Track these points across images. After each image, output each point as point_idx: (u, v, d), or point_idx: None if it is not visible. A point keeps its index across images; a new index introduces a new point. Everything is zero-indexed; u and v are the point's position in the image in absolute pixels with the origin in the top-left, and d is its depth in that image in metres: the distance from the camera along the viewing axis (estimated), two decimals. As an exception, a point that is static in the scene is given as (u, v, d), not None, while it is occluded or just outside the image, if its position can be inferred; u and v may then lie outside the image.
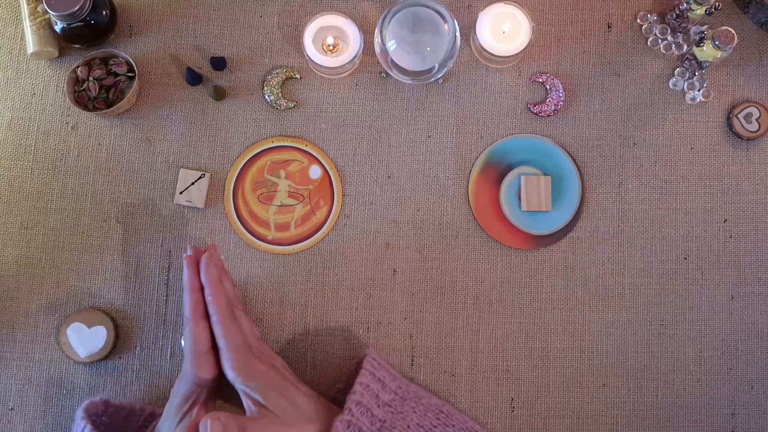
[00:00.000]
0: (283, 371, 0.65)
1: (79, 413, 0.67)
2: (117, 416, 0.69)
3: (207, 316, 0.66)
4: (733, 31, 0.74)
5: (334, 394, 0.71)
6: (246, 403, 0.62)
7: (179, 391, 0.64)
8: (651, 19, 0.81)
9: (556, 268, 0.77)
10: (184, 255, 0.67)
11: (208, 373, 0.64)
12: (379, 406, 0.65)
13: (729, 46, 0.74)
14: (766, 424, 0.75)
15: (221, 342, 0.64)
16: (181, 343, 0.74)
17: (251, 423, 0.60)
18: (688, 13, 0.78)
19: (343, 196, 0.78)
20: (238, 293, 0.68)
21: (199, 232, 0.77)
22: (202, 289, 0.66)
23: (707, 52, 0.76)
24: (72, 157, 0.78)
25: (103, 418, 0.68)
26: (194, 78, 0.78)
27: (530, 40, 0.75)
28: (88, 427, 0.65)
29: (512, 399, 0.75)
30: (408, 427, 0.65)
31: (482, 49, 0.77)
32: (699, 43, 0.77)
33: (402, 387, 0.69)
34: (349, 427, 0.62)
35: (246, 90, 0.79)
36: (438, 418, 0.68)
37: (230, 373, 0.63)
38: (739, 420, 0.75)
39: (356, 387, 0.65)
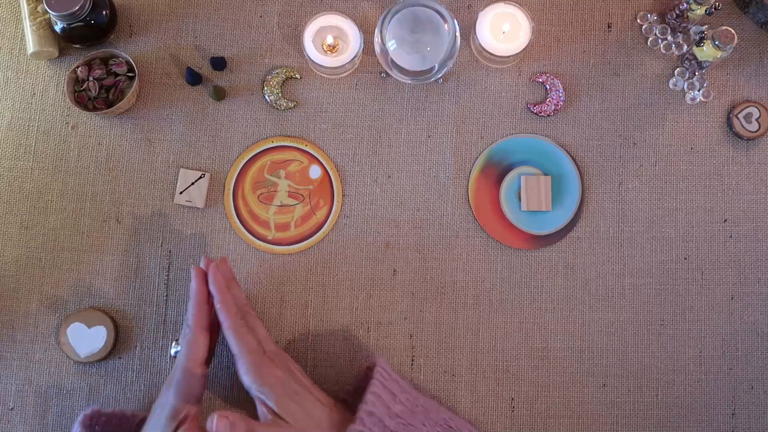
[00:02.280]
0: (299, 377, 0.64)
1: (77, 427, 0.66)
2: (109, 424, 0.68)
3: (209, 329, 0.65)
4: (733, 31, 0.74)
5: (344, 396, 0.71)
6: (260, 410, 0.62)
7: (168, 403, 0.63)
8: (651, 19, 0.81)
9: (556, 268, 0.77)
10: (193, 266, 0.66)
11: (197, 387, 0.63)
12: (390, 417, 0.64)
13: (729, 46, 0.74)
14: (766, 424, 0.75)
15: (235, 348, 0.62)
16: (170, 352, 0.74)
17: (261, 428, 0.60)
18: (688, 13, 0.78)
19: (343, 196, 0.78)
20: (248, 302, 0.68)
21: (199, 232, 0.77)
22: (209, 300, 0.65)
23: (707, 52, 0.76)
24: (72, 157, 0.78)
25: (96, 427, 0.67)
26: (194, 78, 0.78)
27: (530, 40, 0.75)
28: None
29: (512, 399, 0.75)
30: None
31: (482, 49, 0.77)
32: (699, 43, 0.77)
33: (411, 399, 0.68)
34: None
35: (246, 90, 0.79)
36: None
37: (245, 379, 0.61)
38: (739, 420, 0.75)
39: (368, 397, 0.64)
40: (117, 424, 0.69)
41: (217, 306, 0.64)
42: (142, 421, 0.69)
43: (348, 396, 0.71)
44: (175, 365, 0.65)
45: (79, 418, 0.67)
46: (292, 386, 0.62)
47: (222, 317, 0.64)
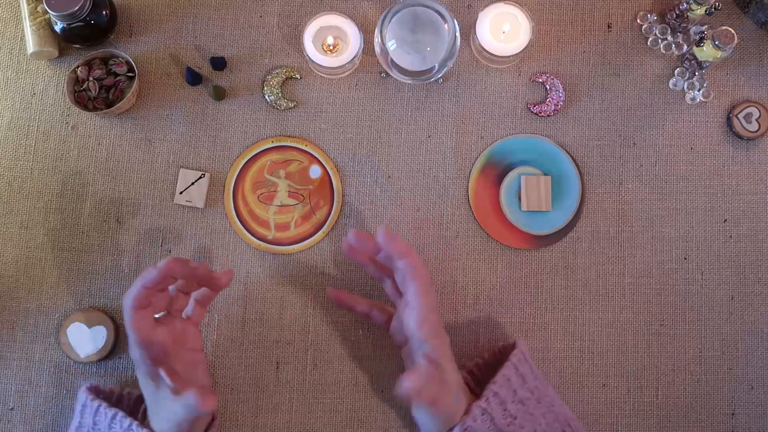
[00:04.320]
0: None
1: (86, 395, 0.67)
2: (109, 401, 0.69)
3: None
4: (733, 31, 0.74)
5: (471, 368, 0.72)
6: (420, 360, 0.64)
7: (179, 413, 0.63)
8: (651, 19, 0.81)
9: (556, 268, 0.77)
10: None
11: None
12: (514, 402, 0.66)
13: (729, 46, 0.74)
14: (766, 424, 0.75)
15: (416, 298, 0.65)
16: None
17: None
18: (688, 13, 0.78)
19: (343, 196, 0.78)
20: None
21: (199, 232, 0.77)
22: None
23: (707, 52, 0.76)
24: (72, 157, 0.78)
25: (101, 397, 0.69)
26: (194, 78, 0.78)
27: (530, 40, 0.75)
28: (104, 404, 0.66)
29: (512, 399, 0.75)
30: (535, 430, 0.66)
31: (482, 49, 0.77)
32: (699, 43, 0.77)
33: (540, 388, 0.69)
34: (483, 414, 0.64)
35: (246, 90, 0.79)
36: (563, 431, 0.68)
37: (418, 331, 0.64)
38: (739, 420, 0.75)
39: (498, 378, 0.66)
40: (115, 402, 0.70)
41: (405, 259, 0.65)
42: (138, 398, 0.70)
43: (476, 368, 0.72)
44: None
45: (86, 387, 0.69)
46: (448, 348, 0.66)
47: (413, 268, 0.65)
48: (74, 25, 0.75)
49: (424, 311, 0.64)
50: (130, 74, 0.78)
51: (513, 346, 0.70)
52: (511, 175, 0.78)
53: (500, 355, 0.71)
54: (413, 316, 0.64)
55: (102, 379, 0.75)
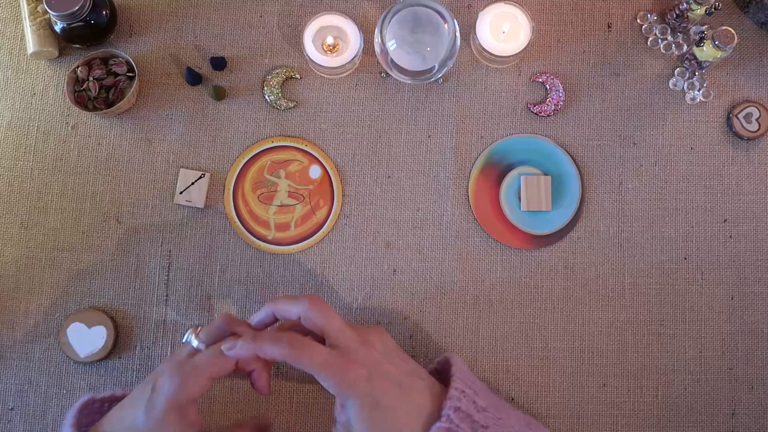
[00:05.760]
0: (385, 363, 0.60)
1: (71, 422, 0.62)
2: (109, 408, 0.65)
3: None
4: (733, 31, 0.74)
5: None
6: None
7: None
8: (651, 19, 0.81)
9: (556, 268, 0.77)
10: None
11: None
12: (478, 411, 0.60)
13: (729, 46, 0.74)
14: (766, 424, 0.75)
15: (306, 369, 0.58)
16: (185, 338, 0.65)
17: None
18: (688, 13, 0.78)
19: (343, 196, 0.78)
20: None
21: (199, 232, 0.77)
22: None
23: (707, 52, 0.76)
24: (72, 157, 0.78)
25: (84, 419, 0.64)
26: (194, 78, 0.78)
27: (530, 40, 0.75)
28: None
29: (512, 399, 0.75)
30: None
31: (482, 49, 0.77)
32: (699, 43, 0.77)
33: (490, 395, 0.64)
34: None
35: (246, 90, 0.79)
36: (530, 427, 0.64)
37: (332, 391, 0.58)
38: (739, 420, 0.75)
39: (452, 392, 0.59)
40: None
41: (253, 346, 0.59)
42: None
43: None
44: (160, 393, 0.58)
45: (69, 418, 0.63)
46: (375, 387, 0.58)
47: (270, 350, 0.59)
48: (74, 25, 0.75)
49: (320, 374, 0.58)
50: (130, 74, 0.78)
51: (447, 363, 0.65)
52: (511, 175, 0.78)
53: (442, 371, 0.66)
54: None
55: (102, 379, 0.75)
